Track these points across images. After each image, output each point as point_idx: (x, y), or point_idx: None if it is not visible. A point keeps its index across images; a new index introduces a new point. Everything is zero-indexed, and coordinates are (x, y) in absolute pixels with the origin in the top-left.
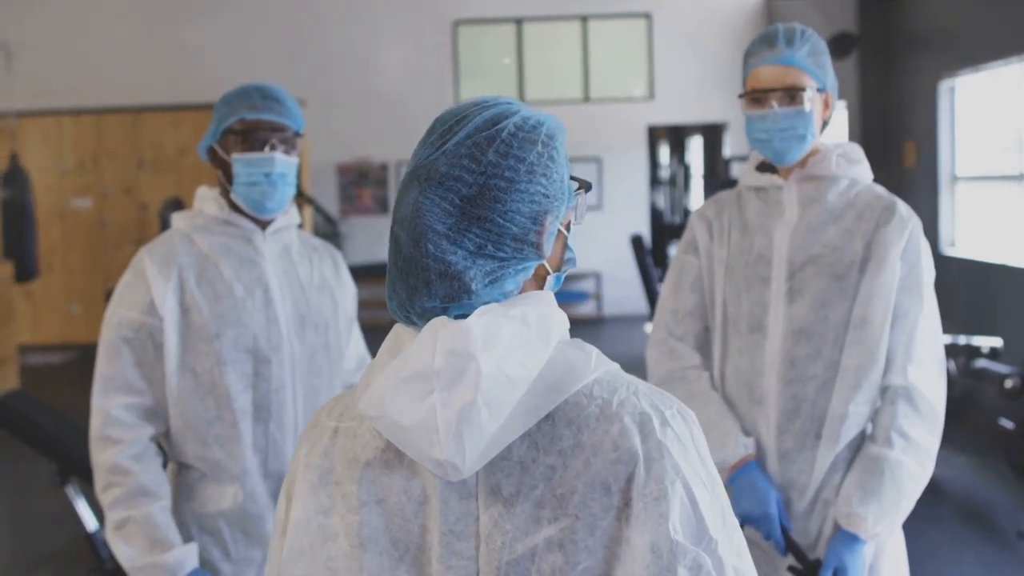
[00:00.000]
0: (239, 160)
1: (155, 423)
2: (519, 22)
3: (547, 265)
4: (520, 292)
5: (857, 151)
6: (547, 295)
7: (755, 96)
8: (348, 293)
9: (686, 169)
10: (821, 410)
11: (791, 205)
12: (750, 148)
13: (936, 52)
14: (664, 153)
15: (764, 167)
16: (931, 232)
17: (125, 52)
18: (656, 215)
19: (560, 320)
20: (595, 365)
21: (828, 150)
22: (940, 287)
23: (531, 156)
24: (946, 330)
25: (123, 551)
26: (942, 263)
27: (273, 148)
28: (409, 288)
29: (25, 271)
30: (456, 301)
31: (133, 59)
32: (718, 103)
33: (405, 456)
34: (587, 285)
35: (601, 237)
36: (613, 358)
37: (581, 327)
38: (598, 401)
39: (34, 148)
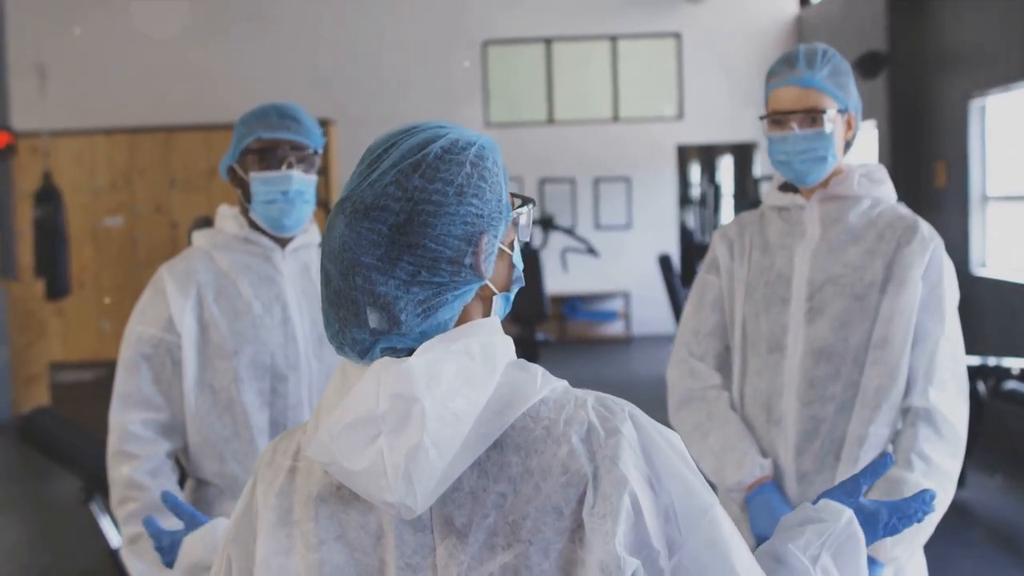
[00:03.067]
0: (257, 179)
1: (172, 439)
2: (548, 42)
3: (492, 286)
4: (464, 316)
5: (880, 171)
6: (491, 322)
7: (776, 118)
8: None
9: (716, 189)
10: (840, 431)
11: (812, 225)
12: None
13: (967, 71)
14: (694, 173)
15: (787, 187)
16: (961, 252)
17: (157, 72)
18: (686, 235)
19: (504, 345)
20: (540, 385)
21: (851, 170)
22: (970, 308)
23: (459, 178)
24: (976, 351)
25: (135, 566)
26: (972, 283)
27: (290, 166)
28: (340, 320)
29: (57, 288)
30: (386, 334)
31: (165, 79)
32: (748, 123)
33: None
34: (616, 304)
35: (630, 257)
36: (642, 378)
37: (610, 347)
38: (544, 423)
39: (67, 167)
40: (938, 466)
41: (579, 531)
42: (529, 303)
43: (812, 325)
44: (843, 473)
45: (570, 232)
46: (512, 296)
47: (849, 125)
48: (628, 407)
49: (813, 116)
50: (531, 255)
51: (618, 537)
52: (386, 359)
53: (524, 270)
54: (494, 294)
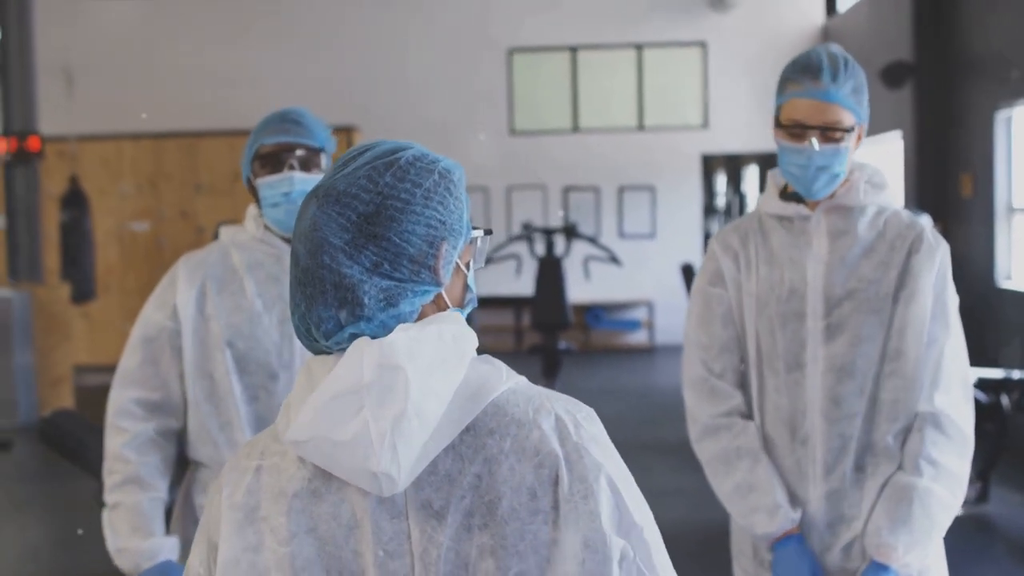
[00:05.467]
0: (262, 184)
1: (162, 418)
2: (574, 50)
3: (445, 296)
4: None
5: (880, 175)
6: (457, 315)
7: (794, 130)
8: None
9: (741, 198)
10: (863, 444)
11: (819, 237)
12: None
13: (993, 82)
14: (719, 182)
15: (788, 195)
16: (987, 264)
17: (183, 78)
18: None
19: (471, 338)
20: (507, 377)
21: (855, 179)
22: (995, 320)
23: (427, 183)
24: (1001, 364)
25: (108, 533)
26: (997, 296)
27: (291, 168)
28: (307, 298)
29: (83, 292)
30: (352, 317)
31: (191, 85)
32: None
33: (332, 483)
34: (639, 313)
35: (654, 266)
36: (666, 387)
37: (633, 356)
38: (514, 410)
39: (94, 171)
40: (947, 469)
41: (553, 513)
42: (552, 311)
43: (832, 342)
44: (871, 487)
45: (593, 241)
46: (465, 315)
47: (859, 137)
48: (588, 408)
49: (833, 133)
50: (553, 263)
51: (603, 517)
52: (365, 338)
53: (546, 277)
54: (448, 307)
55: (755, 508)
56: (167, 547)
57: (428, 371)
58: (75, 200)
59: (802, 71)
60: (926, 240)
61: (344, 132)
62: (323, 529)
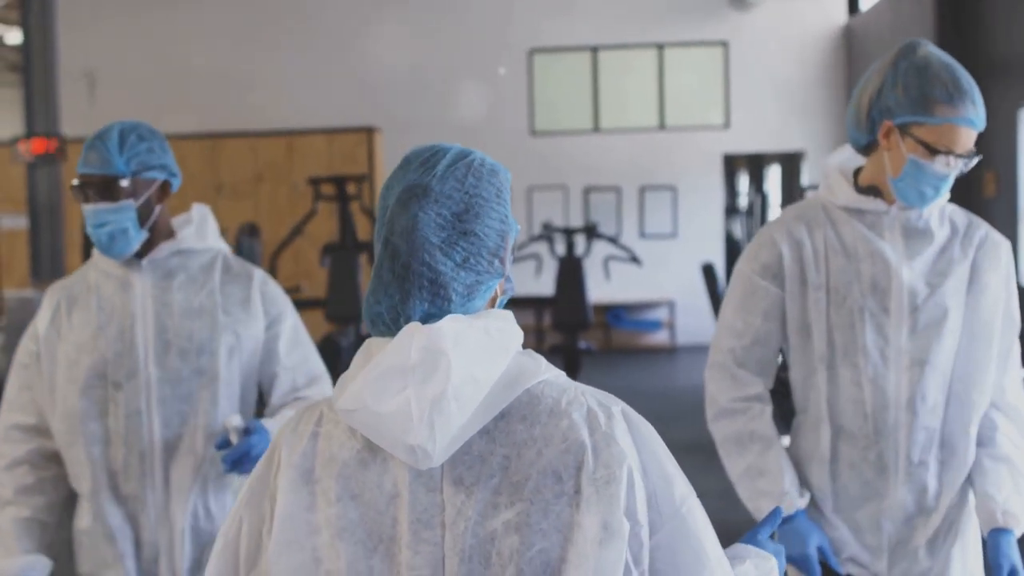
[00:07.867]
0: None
1: (40, 440)
2: (594, 50)
3: (498, 287)
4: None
5: None
6: (506, 312)
7: (941, 153)
8: (257, 318)
9: (763, 198)
10: (944, 437)
11: (894, 232)
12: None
13: (1016, 80)
14: (741, 182)
15: (864, 188)
16: None
17: (204, 80)
18: (732, 244)
19: (516, 334)
20: (545, 369)
21: None
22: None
23: (496, 182)
24: None
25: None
26: (1021, 296)
27: (87, 200)
28: (403, 292)
29: None
30: (439, 310)
31: (212, 87)
32: (796, 132)
33: (378, 455)
34: (660, 314)
35: (675, 266)
36: (687, 387)
37: (654, 356)
38: (548, 400)
39: None
40: (1019, 443)
41: (576, 496)
42: (572, 311)
43: (915, 336)
44: (949, 481)
45: (613, 240)
46: (505, 301)
47: None
48: (621, 403)
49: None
50: (574, 263)
51: (621, 501)
52: (416, 323)
53: (567, 277)
54: (499, 295)
55: (763, 493)
56: (30, 567)
57: (471, 359)
58: None
59: (958, 97)
60: (991, 238)
61: (366, 133)
62: (367, 496)
